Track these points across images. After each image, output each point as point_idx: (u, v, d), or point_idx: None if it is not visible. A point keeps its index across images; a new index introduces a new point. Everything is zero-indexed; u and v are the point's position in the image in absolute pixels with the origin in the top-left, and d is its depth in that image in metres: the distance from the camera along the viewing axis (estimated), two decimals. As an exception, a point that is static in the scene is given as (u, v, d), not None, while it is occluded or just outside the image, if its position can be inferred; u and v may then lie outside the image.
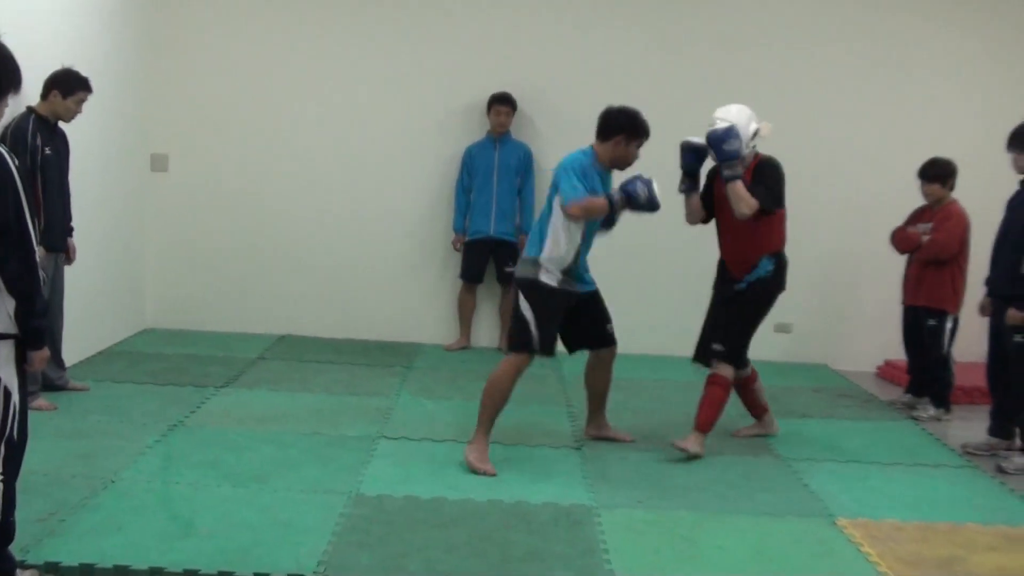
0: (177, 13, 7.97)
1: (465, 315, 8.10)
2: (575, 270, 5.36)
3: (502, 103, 7.80)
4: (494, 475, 5.08)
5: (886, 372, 8.00)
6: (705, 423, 5.61)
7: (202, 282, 8.16)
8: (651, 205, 5.33)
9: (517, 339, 5.30)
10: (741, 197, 5.41)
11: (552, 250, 5.28)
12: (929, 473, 5.57)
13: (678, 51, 8.11)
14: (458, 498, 4.74)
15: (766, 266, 5.66)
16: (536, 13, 8.08)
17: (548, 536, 4.36)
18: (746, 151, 5.47)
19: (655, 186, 5.34)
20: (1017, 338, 5.66)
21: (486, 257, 7.98)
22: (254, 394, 6.43)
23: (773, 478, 5.31)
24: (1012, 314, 5.60)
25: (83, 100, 5.81)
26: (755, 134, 5.50)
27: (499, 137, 7.89)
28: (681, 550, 4.31)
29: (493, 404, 5.29)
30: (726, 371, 5.65)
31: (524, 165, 7.94)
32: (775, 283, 5.73)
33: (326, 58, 8.07)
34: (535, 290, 5.28)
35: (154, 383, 6.51)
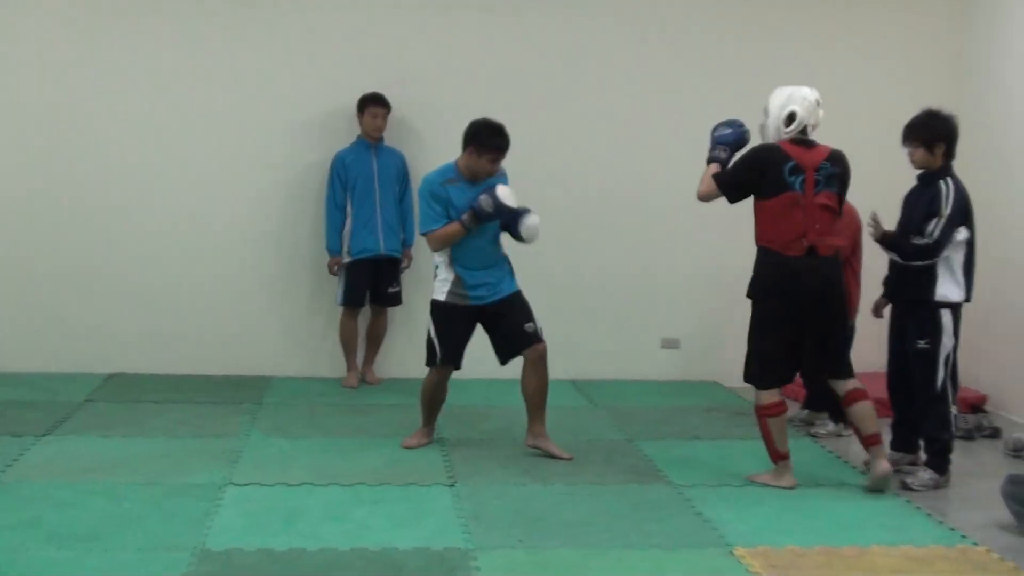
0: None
1: (350, 347, 7.95)
2: (464, 282, 6.02)
3: (377, 104, 7.70)
4: (424, 444, 6.31)
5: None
6: (770, 455, 5.83)
7: (16, 318, 7.90)
8: (500, 213, 5.86)
9: (426, 353, 6.19)
10: (702, 180, 5.82)
11: (438, 266, 6.11)
12: (830, 494, 5.72)
13: (557, 50, 8.19)
14: (317, 548, 4.69)
15: (756, 264, 5.80)
16: (409, 5, 8.10)
17: (418, 585, 4.35)
18: (778, 135, 5.65)
19: (500, 192, 5.80)
20: (921, 344, 5.85)
21: (371, 277, 7.87)
22: (81, 441, 6.27)
23: (664, 507, 5.38)
24: (874, 215, 6.00)
25: None
26: (791, 118, 5.61)
27: (375, 143, 7.81)
28: (566, 592, 4.34)
29: (424, 405, 6.37)
30: (757, 397, 5.80)
31: (402, 173, 7.90)
32: (753, 286, 5.79)
33: (164, 56, 7.91)
34: (431, 307, 6.15)
35: (-38, 435, 6.30)
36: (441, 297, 6.07)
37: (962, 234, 5.82)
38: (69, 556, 4.52)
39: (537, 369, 6.11)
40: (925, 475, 5.87)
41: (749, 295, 5.80)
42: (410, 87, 7.98)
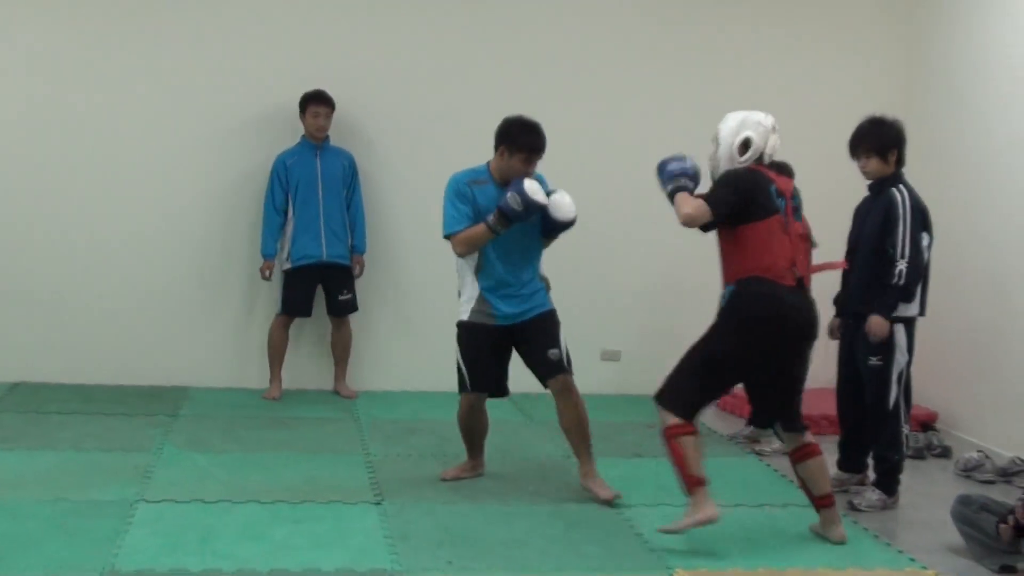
0: None
1: (278, 357, 7.91)
2: (488, 300, 5.83)
3: (319, 103, 7.67)
4: (465, 477, 6.15)
5: (726, 402, 8.23)
6: (685, 483, 5.28)
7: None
8: (529, 210, 5.60)
9: (457, 380, 5.99)
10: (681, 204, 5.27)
11: (460, 283, 5.94)
12: (775, 514, 5.80)
13: (505, 43, 8.25)
14: (234, 569, 4.67)
15: (727, 295, 5.38)
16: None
17: (340, 608, 4.35)
18: (731, 164, 5.29)
19: (527, 187, 5.57)
20: (873, 360, 5.92)
21: (315, 285, 7.86)
22: (-19, 455, 6.18)
23: (601, 528, 5.42)
24: (875, 321, 5.81)
25: None
26: (745, 145, 5.25)
27: (319, 144, 7.77)
28: (498, 617, 4.36)
29: (463, 435, 6.19)
30: (664, 418, 5.31)
31: (349, 175, 7.86)
32: (735, 315, 5.33)
33: (91, 54, 7.85)
34: (457, 328, 5.95)
35: None
36: (464, 316, 5.87)
37: (924, 240, 5.91)
38: (-34, 578, 4.48)
39: (566, 401, 5.88)
40: (873, 496, 5.96)
41: (721, 324, 5.36)
42: (358, 85, 7.98)
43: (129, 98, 7.91)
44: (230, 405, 7.61)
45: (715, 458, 6.77)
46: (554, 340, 5.88)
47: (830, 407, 6.60)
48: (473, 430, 6.12)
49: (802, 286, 5.23)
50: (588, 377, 8.31)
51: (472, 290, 5.85)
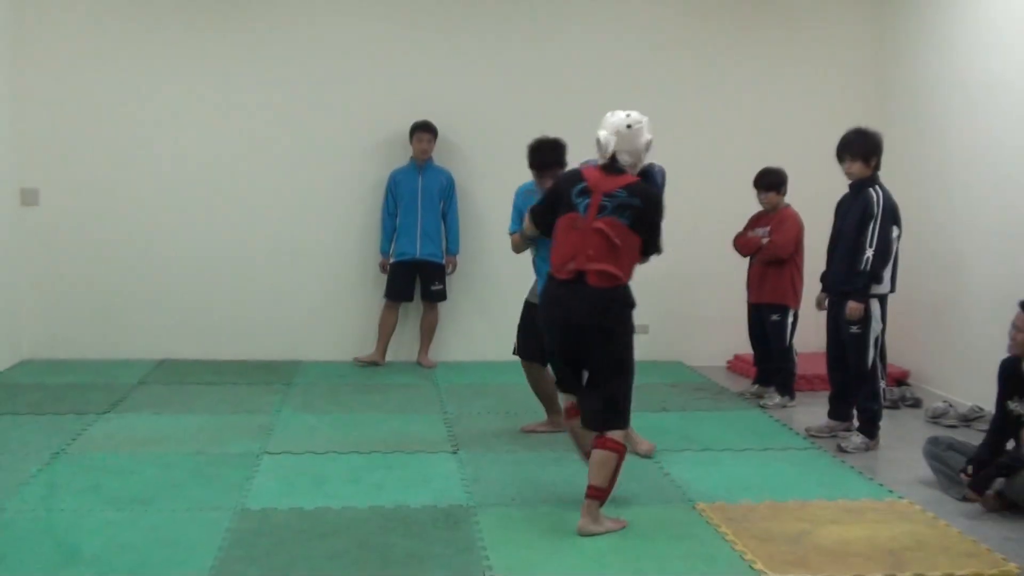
0: (45, 47, 7.68)
1: (385, 332, 7.96)
2: (538, 286, 5.58)
3: (424, 131, 7.72)
4: (543, 431, 5.92)
5: (735, 365, 8.20)
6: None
7: (79, 312, 7.88)
8: None
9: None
10: None
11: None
12: (777, 456, 5.74)
13: (587, 72, 8.17)
14: (340, 507, 4.68)
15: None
16: (454, 46, 8.05)
17: (428, 538, 4.34)
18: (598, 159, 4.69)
19: None
20: (853, 329, 5.86)
21: (412, 277, 7.91)
22: (136, 418, 6.23)
23: (635, 469, 5.37)
24: (852, 306, 5.79)
25: None
26: (597, 142, 4.59)
27: (422, 164, 7.81)
28: (552, 542, 4.34)
29: (536, 395, 5.98)
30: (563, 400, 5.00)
31: (447, 190, 7.88)
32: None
33: (196, 91, 7.88)
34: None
35: (34, 413, 6.26)
36: (529, 297, 5.82)
37: (894, 232, 5.84)
38: (126, 516, 4.51)
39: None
40: (857, 439, 5.89)
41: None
42: (458, 114, 7.97)
43: (274, 124, 7.95)
44: (333, 375, 7.64)
45: (728, 411, 6.76)
46: None
47: (821, 368, 6.53)
48: (540, 391, 5.91)
49: (581, 280, 4.44)
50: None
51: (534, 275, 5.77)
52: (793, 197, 7.01)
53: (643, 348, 8.25)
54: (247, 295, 8.03)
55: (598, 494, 4.47)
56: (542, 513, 4.68)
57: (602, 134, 4.51)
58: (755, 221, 7.07)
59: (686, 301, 8.40)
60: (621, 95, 8.11)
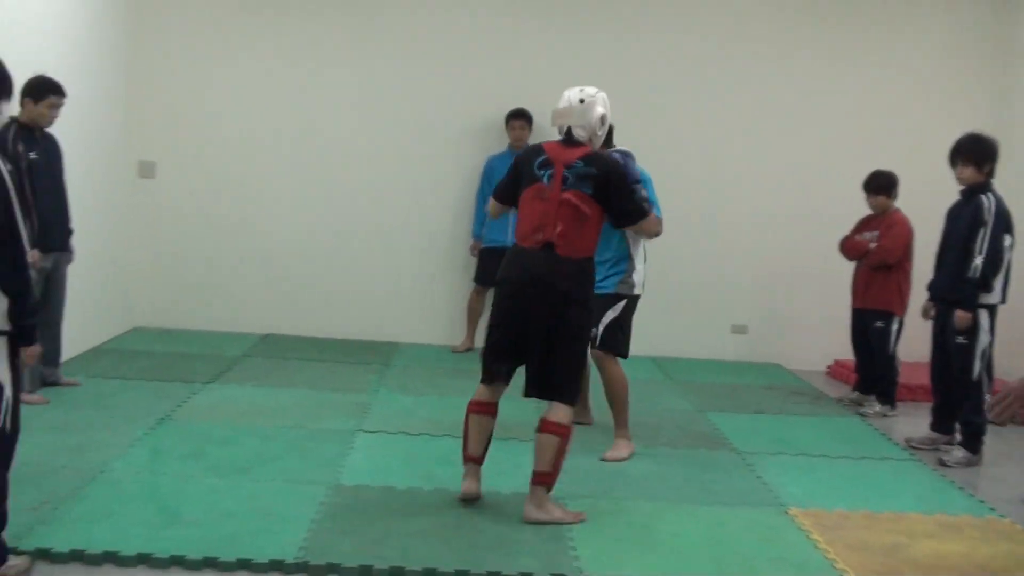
0: (165, 20, 7.92)
1: (473, 317, 8.06)
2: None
3: (518, 118, 7.76)
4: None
5: (835, 371, 8.06)
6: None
7: (189, 283, 8.12)
8: None
9: (618, 344, 5.51)
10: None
11: (628, 259, 5.38)
12: (875, 465, 5.63)
13: (684, 61, 8.14)
14: (432, 488, 4.75)
15: None
16: (551, 33, 8.08)
17: (516, 525, 4.37)
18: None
19: None
20: (960, 339, 5.73)
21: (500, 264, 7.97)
22: (239, 390, 6.40)
23: (727, 470, 5.34)
24: (960, 316, 5.67)
25: (56, 105, 5.65)
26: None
27: (518, 150, 7.86)
28: (641, 537, 4.33)
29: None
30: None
31: None
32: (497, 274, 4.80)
33: (310, 71, 8.03)
34: (630, 302, 5.51)
35: (143, 379, 6.48)
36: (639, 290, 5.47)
37: (1006, 241, 5.67)
38: (226, 484, 4.64)
39: (600, 372, 5.50)
40: (959, 453, 5.75)
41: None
42: (553, 102, 7.94)
43: (379, 108, 8.08)
44: (430, 358, 7.73)
45: (825, 417, 6.66)
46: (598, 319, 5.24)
47: (924, 378, 6.38)
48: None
49: (550, 249, 4.39)
50: (719, 346, 8.33)
51: (639, 264, 5.45)
52: (904, 201, 6.85)
53: (740, 348, 8.29)
54: (349, 275, 8.17)
55: (544, 480, 4.43)
56: (631, 508, 4.67)
57: (555, 108, 4.58)
58: (863, 224, 6.93)
59: (787, 302, 8.30)
60: (723, 93, 8.10)
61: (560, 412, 4.44)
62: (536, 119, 7.80)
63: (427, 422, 5.88)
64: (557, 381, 4.45)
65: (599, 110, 4.54)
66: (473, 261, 8.06)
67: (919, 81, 8.19)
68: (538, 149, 4.60)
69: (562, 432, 4.43)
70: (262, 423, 5.66)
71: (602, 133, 4.60)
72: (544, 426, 4.44)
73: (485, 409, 4.64)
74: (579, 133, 4.52)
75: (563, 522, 4.41)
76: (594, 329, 5.24)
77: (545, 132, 7.97)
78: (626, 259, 5.36)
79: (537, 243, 4.43)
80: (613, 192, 4.47)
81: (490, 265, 7.91)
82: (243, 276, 8.13)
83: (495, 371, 4.59)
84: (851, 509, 4.82)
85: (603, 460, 5.31)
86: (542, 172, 4.48)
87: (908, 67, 8.19)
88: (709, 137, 8.17)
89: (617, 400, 5.48)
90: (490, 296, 8.01)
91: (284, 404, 6.10)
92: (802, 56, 8.16)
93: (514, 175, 4.63)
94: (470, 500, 4.57)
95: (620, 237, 5.27)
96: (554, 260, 4.39)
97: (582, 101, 4.53)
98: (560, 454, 4.44)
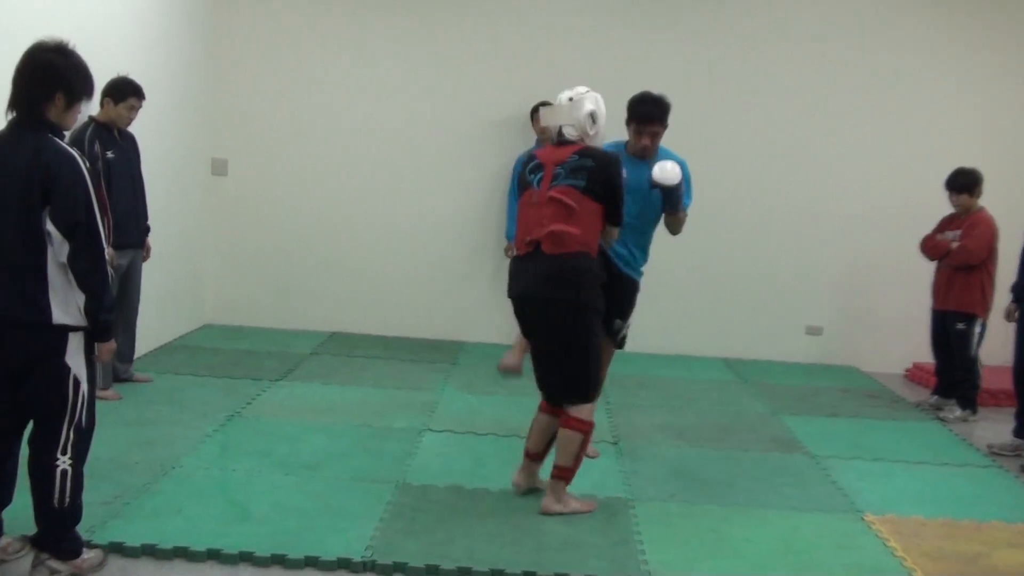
0: (238, 24, 8.06)
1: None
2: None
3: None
4: None
5: (914, 374, 7.93)
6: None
7: (259, 281, 8.26)
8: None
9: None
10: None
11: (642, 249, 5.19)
12: (954, 472, 5.53)
13: (712, 56, 8.08)
14: (498, 489, 4.77)
15: None
16: (578, 26, 8.09)
17: (584, 527, 4.37)
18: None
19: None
20: (1045, 342, 5.61)
21: None
22: (307, 387, 6.49)
23: (801, 474, 5.29)
24: None
25: (135, 107, 5.79)
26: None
27: (541, 145, 7.86)
28: (711, 542, 4.30)
29: None
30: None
31: None
32: None
33: (379, 71, 8.11)
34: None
35: (213, 376, 6.60)
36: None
37: None
38: (294, 481, 4.70)
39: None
40: (1045, 461, 5.63)
41: None
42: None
43: (446, 111, 8.14)
44: (496, 357, 7.64)
45: (903, 421, 6.55)
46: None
47: (1008, 382, 6.26)
48: None
49: (538, 251, 4.34)
50: (794, 348, 8.25)
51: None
52: (988, 200, 6.70)
53: (815, 350, 8.19)
54: (415, 274, 8.24)
55: (563, 474, 4.48)
56: (701, 511, 4.64)
57: (544, 110, 4.55)
58: (946, 223, 6.81)
59: (864, 303, 8.18)
60: (804, 91, 8.00)
61: (582, 409, 4.47)
62: None
63: (494, 422, 5.90)
64: (570, 386, 4.47)
65: (588, 107, 4.44)
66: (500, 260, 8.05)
67: (1008, 78, 8.01)
68: (531, 156, 4.60)
69: (583, 428, 4.48)
70: (330, 421, 5.73)
71: (595, 132, 4.48)
72: (566, 422, 4.48)
73: (545, 408, 4.68)
74: (569, 132, 4.46)
75: (579, 512, 4.49)
76: (625, 327, 5.15)
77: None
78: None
79: (529, 246, 4.41)
80: (606, 190, 4.36)
81: None
82: (311, 274, 8.24)
83: (538, 378, 4.63)
84: (929, 517, 4.74)
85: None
86: (533, 177, 4.48)
87: (998, 65, 8.01)
88: (787, 136, 8.07)
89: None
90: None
91: (351, 402, 6.17)
92: (892, 52, 8.02)
93: (519, 186, 4.64)
94: (519, 490, 4.67)
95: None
96: (539, 264, 4.35)
97: (571, 100, 4.46)
98: (581, 449, 4.49)
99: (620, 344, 5.21)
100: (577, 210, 4.33)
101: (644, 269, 5.19)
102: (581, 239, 4.34)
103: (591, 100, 4.47)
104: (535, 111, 7.72)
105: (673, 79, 7.82)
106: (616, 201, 4.42)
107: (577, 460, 4.50)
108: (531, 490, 4.71)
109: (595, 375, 4.50)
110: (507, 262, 7.94)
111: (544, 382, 4.58)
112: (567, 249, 4.32)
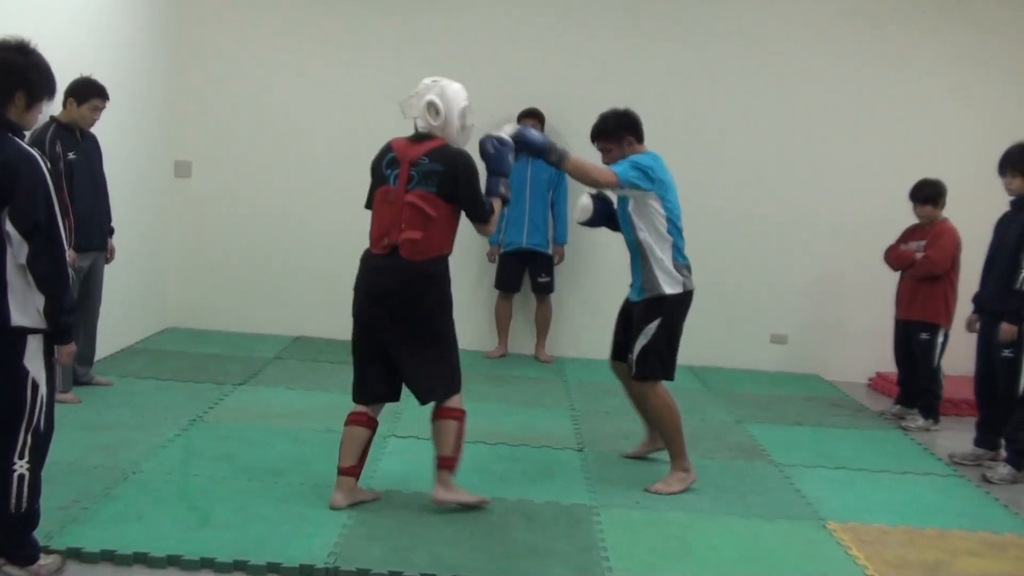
0: (203, 25, 8.03)
1: (502, 324, 8.10)
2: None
3: (530, 118, 7.71)
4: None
5: (877, 384, 8.01)
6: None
7: (222, 284, 8.21)
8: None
9: (660, 366, 5.18)
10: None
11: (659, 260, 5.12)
12: (917, 481, 5.58)
13: (725, 64, 8.15)
14: (463, 495, 4.76)
15: None
16: (560, 31, 8.13)
17: (549, 533, 4.38)
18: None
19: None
20: (1006, 352, 5.68)
21: (521, 268, 8.00)
22: (270, 392, 6.46)
23: (765, 482, 5.32)
24: (1005, 329, 5.63)
25: (98, 108, 5.75)
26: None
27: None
28: (675, 549, 4.32)
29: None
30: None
31: (555, 179, 7.87)
32: None
33: (345, 74, 8.11)
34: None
35: (175, 380, 6.55)
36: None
37: None
38: (257, 486, 4.69)
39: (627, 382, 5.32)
40: (1004, 470, 5.68)
41: None
42: (563, 105, 7.96)
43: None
44: (463, 364, 7.70)
45: (866, 430, 6.61)
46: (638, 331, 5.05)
47: (969, 392, 6.33)
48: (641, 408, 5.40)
49: (395, 254, 4.38)
50: (758, 356, 8.29)
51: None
52: (952, 211, 6.79)
53: (780, 359, 8.25)
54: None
55: (449, 463, 4.53)
56: (665, 519, 4.66)
57: (401, 101, 4.50)
58: (910, 234, 6.88)
59: (828, 312, 8.25)
60: (765, 98, 8.07)
61: (452, 399, 4.55)
62: (549, 120, 7.80)
63: (459, 428, 5.89)
64: (443, 380, 4.53)
65: (428, 98, 4.40)
66: (491, 268, 8.08)
67: (969, 90, 8.12)
68: (386, 148, 4.53)
69: (456, 415, 4.54)
70: (293, 426, 5.71)
71: (439, 123, 4.40)
72: (443, 413, 4.53)
73: (358, 420, 4.68)
74: (420, 124, 4.44)
75: (469, 503, 4.55)
76: (635, 350, 5.04)
77: (556, 134, 7.97)
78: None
79: (385, 248, 4.42)
80: (461, 191, 4.36)
81: (509, 269, 7.96)
82: (276, 277, 8.21)
83: (360, 385, 4.66)
84: (891, 525, 4.78)
85: (648, 491, 4.98)
86: (389, 172, 4.44)
87: (958, 76, 8.11)
88: (750, 143, 8.14)
89: (664, 429, 5.13)
90: (515, 300, 8.06)
91: (315, 407, 6.15)
92: (850, 62, 8.11)
93: (373, 179, 4.57)
94: (340, 509, 4.46)
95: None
96: (399, 266, 4.37)
97: (417, 92, 4.44)
98: (459, 437, 4.55)
99: (630, 368, 5.12)
100: (435, 217, 4.36)
101: (644, 289, 5.08)
102: (438, 245, 4.42)
103: (436, 91, 4.42)
104: (521, 118, 7.71)
105: (646, 89, 7.90)
106: (474, 201, 4.41)
107: (458, 448, 4.56)
108: (353, 504, 4.54)
109: (459, 366, 4.61)
110: (490, 267, 8.06)
111: (408, 385, 4.57)
112: (425, 256, 4.38)
